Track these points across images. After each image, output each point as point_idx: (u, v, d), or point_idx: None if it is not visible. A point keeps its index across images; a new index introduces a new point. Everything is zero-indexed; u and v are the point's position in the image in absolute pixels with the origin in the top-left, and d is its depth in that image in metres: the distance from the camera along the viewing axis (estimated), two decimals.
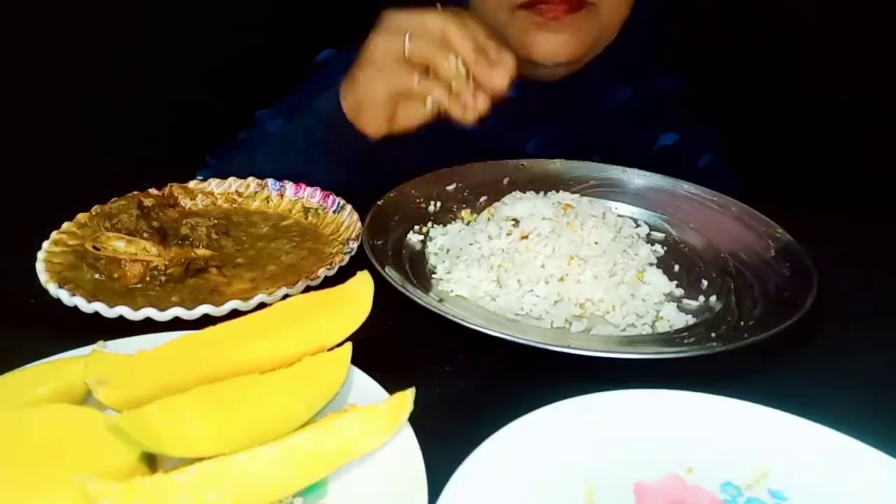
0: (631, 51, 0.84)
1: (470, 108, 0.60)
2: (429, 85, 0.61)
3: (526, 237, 0.60)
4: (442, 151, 0.73)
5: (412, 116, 0.65)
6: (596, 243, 0.61)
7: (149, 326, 0.49)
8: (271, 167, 0.73)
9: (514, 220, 0.63)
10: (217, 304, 0.51)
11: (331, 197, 0.69)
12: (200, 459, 0.35)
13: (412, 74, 0.61)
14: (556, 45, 0.74)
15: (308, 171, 0.72)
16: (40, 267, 0.55)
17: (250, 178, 0.72)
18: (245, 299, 0.52)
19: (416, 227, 0.67)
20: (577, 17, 0.74)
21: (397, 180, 0.70)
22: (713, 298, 0.59)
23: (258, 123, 0.88)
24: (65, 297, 0.52)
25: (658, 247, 0.65)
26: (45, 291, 0.53)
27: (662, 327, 0.55)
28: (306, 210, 0.69)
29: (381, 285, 0.49)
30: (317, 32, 0.99)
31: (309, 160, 0.72)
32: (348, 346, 0.44)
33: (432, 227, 0.67)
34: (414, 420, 0.40)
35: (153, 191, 0.68)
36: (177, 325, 0.50)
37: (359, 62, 0.65)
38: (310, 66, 0.92)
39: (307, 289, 0.54)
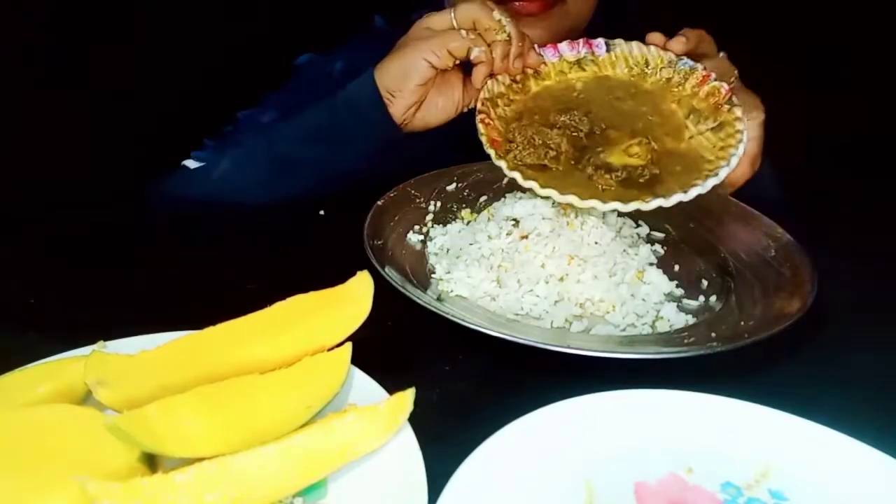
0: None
1: (521, 55, 0.67)
2: (474, 39, 0.66)
3: (526, 237, 0.60)
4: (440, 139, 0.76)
5: (439, 110, 0.70)
6: (596, 243, 0.61)
7: (149, 325, 0.49)
8: (276, 157, 0.75)
9: (513, 220, 0.63)
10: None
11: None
12: (200, 459, 0.35)
13: (457, 33, 0.66)
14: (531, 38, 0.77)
15: (323, 159, 0.73)
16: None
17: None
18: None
19: (416, 227, 0.67)
20: (551, 14, 0.77)
21: (412, 171, 0.72)
22: (713, 298, 0.59)
23: (244, 120, 0.88)
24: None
25: (658, 247, 0.65)
26: (45, 291, 0.53)
27: (662, 327, 0.55)
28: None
29: (381, 285, 0.49)
30: (295, 36, 0.98)
31: (326, 149, 0.73)
32: (348, 346, 0.44)
33: (432, 227, 0.67)
34: (414, 420, 0.40)
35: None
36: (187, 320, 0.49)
37: (401, 42, 0.69)
38: (288, 70, 0.92)
39: None
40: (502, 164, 0.60)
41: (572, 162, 0.62)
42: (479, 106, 0.66)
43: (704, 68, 0.64)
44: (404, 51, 0.68)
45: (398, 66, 0.68)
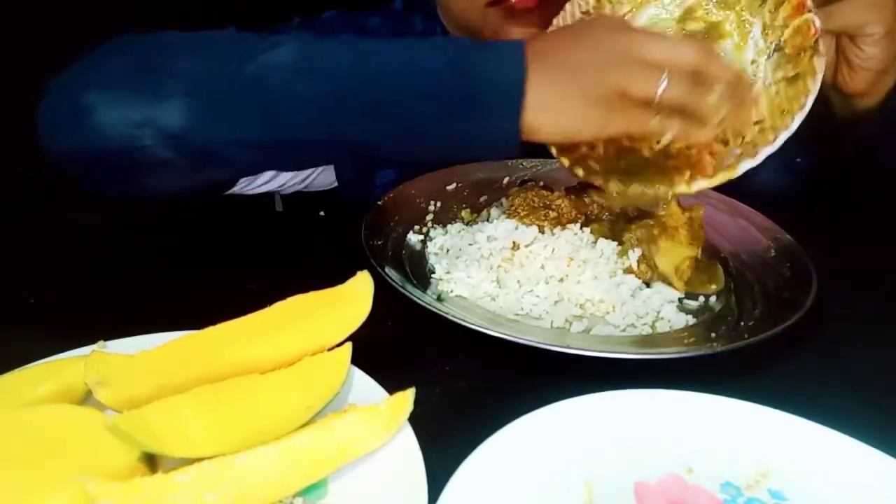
0: None
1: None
2: (669, 121, 0.50)
3: (517, 248, 0.60)
4: None
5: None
6: (594, 244, 0.61)
7: (149, 325, 0.49)
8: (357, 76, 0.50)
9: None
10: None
11: None
12: (200, 459, 0.35)
13: (655, 83, 0.48)
14: (527, 35, 0.73)
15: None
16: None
17: None
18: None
19: (416, 227, 0.67)
20: (546, 9, 0.71)
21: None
22: (713, 298, 0.59)
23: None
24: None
25: None
26: (45, 291, 0.53)
27: (662, 327, 0.55)
28: None
29: (381, 285, 0.49)
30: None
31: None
32: (348, 346, 0.44)
33: (432, 227, 0.67)
34: (414, 420, 0.40)
35: None
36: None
37: (578, 42, 0.50)
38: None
39: None
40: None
41: (580, 222, 0.62)
42: None
43: None
44: (576, 85, 0.49)
45: (553, 102, 0.49)
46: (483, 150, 0.53)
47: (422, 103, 0.49)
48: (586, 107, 0.49)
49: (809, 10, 0.54)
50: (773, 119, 0.54)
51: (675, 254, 0.58)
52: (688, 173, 0.55)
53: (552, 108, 0.49)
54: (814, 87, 0.53)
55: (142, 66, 0.52)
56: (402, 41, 0.52)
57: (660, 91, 0.48)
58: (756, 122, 0.55)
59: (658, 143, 0.57)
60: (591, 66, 0.49)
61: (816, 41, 0.53)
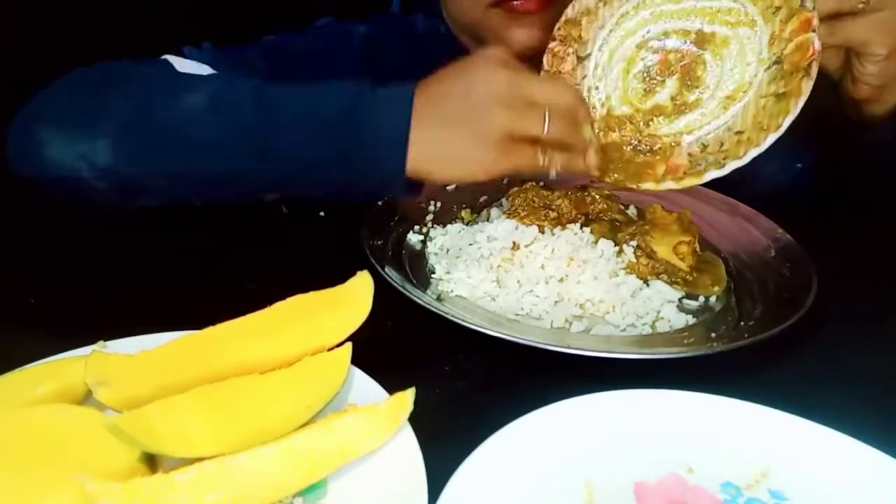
0: None
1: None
2: (553, 156, 0.53)
3: (517, 248, 0.60)
4: None
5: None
6: (594, 244, 0.61)
7: (149, 325, 0.49)
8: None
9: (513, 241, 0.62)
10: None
11: None
12: (200, 459, 0.35)
13: (541, 123, 0.51)
14: (530, 37, 0.73)
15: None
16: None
17: None
18: None
19: (416, 227, 0.67)
20: (549, 12, 0.71)
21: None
22: (713, 298, 0.59)
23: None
24: None
25: None
26: (45, 291, 0.53)
27: (662, 327, 0.55)
28: None
29: (381, 285, 0.49)
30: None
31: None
32: (348, 346, 0.44)
33: (432, 227, 0.67)
34: (414, 420, 0.40)
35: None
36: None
37: (459, 89, 0.53)
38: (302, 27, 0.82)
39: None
40: None
41: (580, 222, 0.63)
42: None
43: (813, 8, 0.54)
44: (459, 128, 0.51)
45: (442, 147, 0.52)
46: (371, 194, 0.59)
47: (313, 151, 0.53)
48: (476, 150, 0.51)
49: (813, 30, 0.54)
50: (750, 133, 0.55)
51: (670, 240, 0.60)
52: (662, 170, 0.57)
53: (438, 156, 0.52)
54: (794, 110, 0.54)
55: (80, 106, 0.58)
56: (307, 90, 0.55)
57: (545, 129, 0.51)
58: (737, 133, 0.56)
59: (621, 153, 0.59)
60: (479, 111, 0.51)
61: (810, 64, 0.54)
